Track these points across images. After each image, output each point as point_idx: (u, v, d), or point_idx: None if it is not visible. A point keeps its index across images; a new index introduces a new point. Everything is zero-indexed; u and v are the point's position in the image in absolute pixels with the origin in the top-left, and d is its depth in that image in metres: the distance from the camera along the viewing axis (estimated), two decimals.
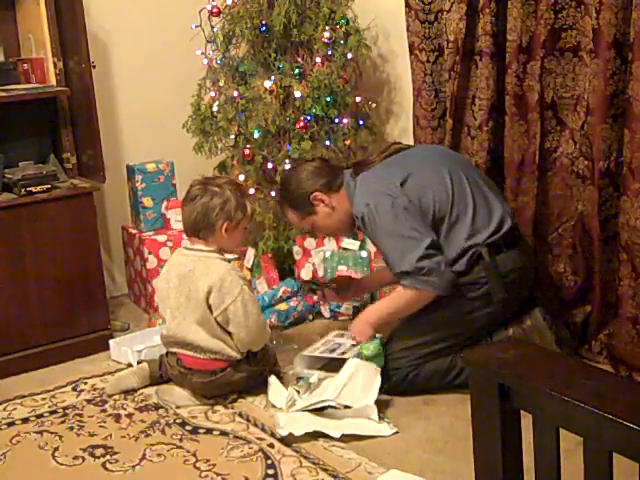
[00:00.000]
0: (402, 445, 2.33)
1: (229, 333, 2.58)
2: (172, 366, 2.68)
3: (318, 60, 3.26)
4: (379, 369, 2.55)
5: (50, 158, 3.21)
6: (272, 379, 2.63)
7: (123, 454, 2.35)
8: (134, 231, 3.57)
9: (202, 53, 3.39)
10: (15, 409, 2.67)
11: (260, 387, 2.66)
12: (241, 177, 3.37)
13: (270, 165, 3.33)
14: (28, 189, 2.93)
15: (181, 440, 2.41)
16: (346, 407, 2.43)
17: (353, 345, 2.78)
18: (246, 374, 2.63)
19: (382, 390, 2.51)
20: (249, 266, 3.46)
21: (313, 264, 3.43)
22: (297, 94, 3.22)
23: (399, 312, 2.65)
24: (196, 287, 2.56)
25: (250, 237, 3.55)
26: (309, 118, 3.25)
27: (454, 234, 2.56)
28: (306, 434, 2.34)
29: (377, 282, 3.09)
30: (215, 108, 3.35)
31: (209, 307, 2.56)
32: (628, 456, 1.25)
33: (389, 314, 2.67)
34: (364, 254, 3.37)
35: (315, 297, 3.22)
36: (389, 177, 2.60)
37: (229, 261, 3.27)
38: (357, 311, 3.28)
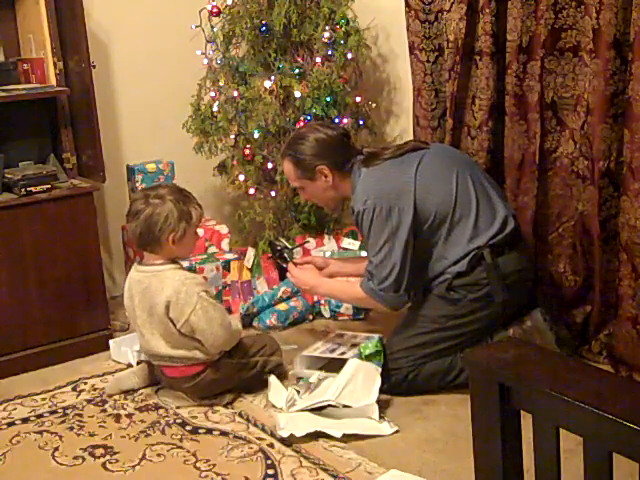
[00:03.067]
0: (402, 445, 2.33)
1: (194, 341, 2.57)
2: (160, 377, 2.70)
3: (318, 60, 3.26)
4: (379, 369, 2.55)
5: (50, 158, 3.21)
6: (272, 379, 2.63)
7: (123, 454, 2.36)
8: None
9: (202, 53, 3.40)
10: (15, 409, 2.67)
11: (260, 387, 2.66)
12: (241, 177, 3.37)
13: (270, 165, 3.33)
14: (28, 189, 2.93)
15: (181, 440, 2.41)
16: (346, 407, 2.43)
17: (353, 345, 2.79)
18: (229, 368, 2.62)
19: (382, 390, 2.51)
20: (249, 266, 3.46)
21: None
22: (297, 94, 3.22)
23: (346, 302, 3.08)
24: (155, 303, 2.55)
25: (250, 237, 3.56)
26: (309, 118, 3.25)
27: (456, 235, 2.56)
28: (306, 434, 2.34)
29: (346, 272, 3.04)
30: (215, 108, 3.35)
31: (171, 321, 2.54)
32: (628, 456, 1.25)
33: (336, 297, 3.02)
34: (364, 254, 3.36)
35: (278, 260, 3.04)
36: (395, 177, 2.59)
37: (227, 262, 3.28)
38: (357, 311, 3.29)
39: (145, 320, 2.60)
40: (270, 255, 3.08)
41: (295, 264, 2.90)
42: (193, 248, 2.75)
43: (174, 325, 2.54)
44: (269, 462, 2.26)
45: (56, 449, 2.41)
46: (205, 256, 3.40)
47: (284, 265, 2.92)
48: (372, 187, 2.59)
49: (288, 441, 2.34)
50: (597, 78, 2.56)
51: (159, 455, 2.34)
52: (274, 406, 2.56)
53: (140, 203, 2.55)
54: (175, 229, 2.53)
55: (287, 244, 3.00)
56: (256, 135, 3.27)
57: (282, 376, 2.72)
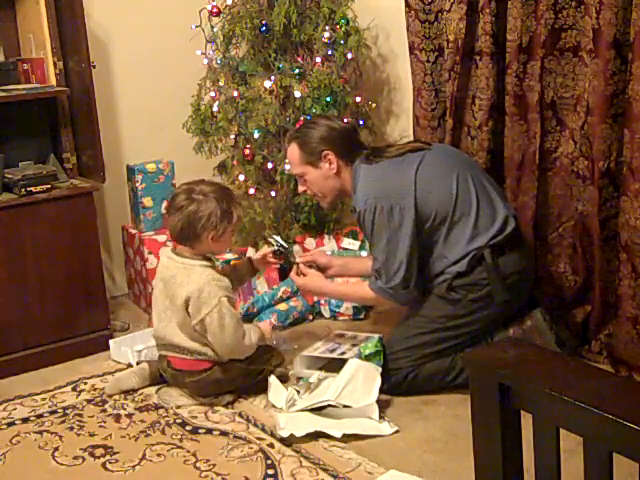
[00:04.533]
0: (402, 445, 2.33)
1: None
2: (165, 369, 2.70)
3: (318, 60, 3.26)
4: (379, 369, 2.55)
5: (50, 158, 3.21)
6: (272, 379, 2.63)
7: (123, 454, 2.36)
8: (134, 231, 3.57)
9: (202, 53, 3.39)
10: (15, 409, 2.67)
11: (260, 387, 2.66)
12: (241, 177, 3.37)
13: (270, 165, 3.33)
14: (28, 189, 2.93)
15: (181, 440, 2.41)
16: (346, 407, 2.43)
17: (353, 345, 2.79)
18: (236, 371, 2.62)
19: (382, 390, 2.51)
20: None
21: None
22: (297, 94, 3.22)
23: (353, 301, 3.11)
24: (176, 294, 2.56)
25: (250, 237, 3.56)
26: (309, 118, 3.25)
27: (456, 234, 2.56)
28: (306, 434, 2.34)
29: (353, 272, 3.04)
30: (215, 108, 3.35)
31: (189, 315, 2.56)
32: (628, 456, 1.25)
33: (344, 300, 3.10)
34: (364, 254, 3.37)
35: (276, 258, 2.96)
36: (395, 177, 2.58)
37: (228, 261, 3.29)
38: (357, 311, 3.29)
39: (167, 306, 2.61)
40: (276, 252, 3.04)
41: (297, 264, 2.87)
42: (228, 246, 2.76)
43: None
44: (269, 462, 2.26)
45: (56, 449, 2.41)
46: None
47: (281, 262, 2.91)
48: (372, 186, 2.60)
49: (288, 441, 2.34)
50: (597, 78, 2.56)
51: (159, 455, 2.34)
52: (274, 406, 2.56)
53: (183, 198, 2.54)
54: (217, 228, 2.55)
55: (283, 242, 2.96)
56: (256, 135, 3.27)
57: (283, 380, 2.72)
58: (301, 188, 2.84)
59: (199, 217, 2.53)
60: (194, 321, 2.54)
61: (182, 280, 2.56)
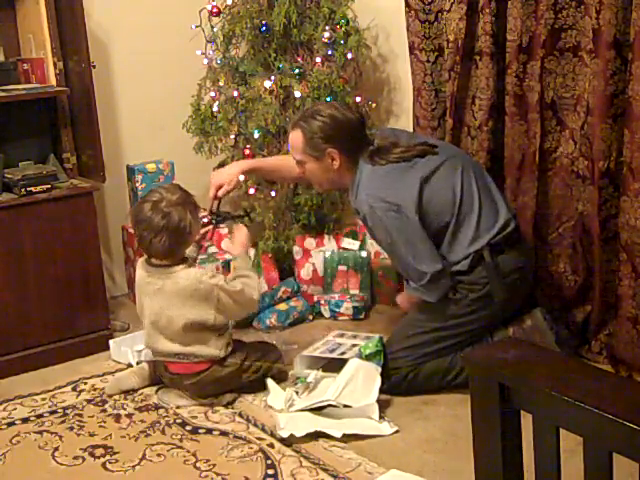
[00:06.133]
0: (402, 445, 2.33)
1: (205, 337, 2.59)
2: (162, 374, 2.70)
3: (318, 60, 3.26)
4: (379, 369, 2.55)
5: (50, 158, 3.21)
6: (270, 382, 2.62)
7: (123, 454, 2.36)
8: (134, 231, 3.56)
9: (202, 53, 3.39)
10: (15, 409, 2.67)
11: (259, 386, 2.66)
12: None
13: None
14: (28, 189, 2.93)
15: (181, 440, 2.41)
16: (346, 407, 2.43)
17: (353, 345, 2.79)
18: (234, 368, 2.63)
19: (382, 390, 2.51)
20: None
21: (313, 264, 3.43)
22: (297, 94, 3.22)
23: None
24: (168, 304, 2.56)
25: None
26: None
27: (458, 237, 2.56)
28: (306, 434, 2.34)
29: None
30: (215, 108, 3.35)
31: (196, 327, 2.57)
32: (628, 456, 1.25)
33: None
34: (364, 254, 3.37)
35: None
36: (399, 186, 2.56)
37: (227, 261, 3.28)
38: (357, 311, 3.29)
39: (153, 321, 2.62)
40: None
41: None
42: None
43: (203, 324, 2.57)
44: (269, 462, 2.26)
45: (56, 449, 2.41)
46: (205, 256, 3.40)
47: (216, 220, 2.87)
48: (376, 192, 2.55)
49: (288, 441, 2.34)
50: (597, 78, 2.56)
51: (159, 455, 2.34)
52: (272, 407, 2.55)
53: (159, 218, 2.51)
54: (198, 229, 2.62)
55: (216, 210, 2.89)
56: (256, 135, 3.27)
57: (282, 376, 2.72)
58: (299, 170, 2.78)
59: (183, 227, 2.53)
60: (211, 318, 2.56)
61: (171, 288, 2.56)
